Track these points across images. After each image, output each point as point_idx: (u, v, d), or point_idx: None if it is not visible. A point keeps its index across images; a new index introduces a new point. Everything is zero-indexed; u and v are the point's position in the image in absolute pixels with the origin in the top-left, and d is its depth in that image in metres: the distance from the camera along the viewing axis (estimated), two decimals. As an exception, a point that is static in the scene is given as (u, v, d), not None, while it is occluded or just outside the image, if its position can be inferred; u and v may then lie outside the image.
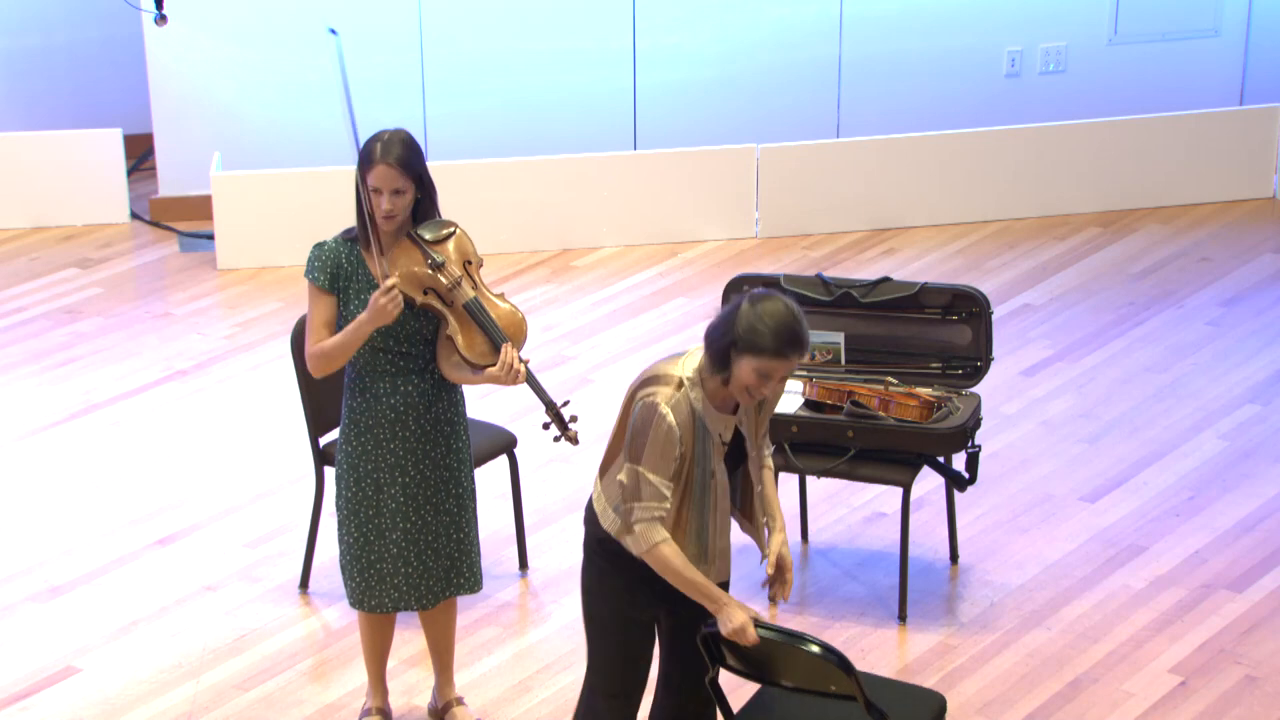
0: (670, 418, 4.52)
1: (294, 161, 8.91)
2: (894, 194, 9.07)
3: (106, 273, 8.68)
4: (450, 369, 5.11)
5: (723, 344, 4.50)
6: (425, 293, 5.01)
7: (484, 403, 7.25)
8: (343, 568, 5.26)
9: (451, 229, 5.09)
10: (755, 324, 4.45)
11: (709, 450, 4.61)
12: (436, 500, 5.18)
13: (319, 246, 5.07)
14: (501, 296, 5.16)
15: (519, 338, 5.10)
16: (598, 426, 7.22)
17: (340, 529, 5.22)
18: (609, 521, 4.67)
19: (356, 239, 5.06)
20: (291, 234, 8.49)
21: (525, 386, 5.09)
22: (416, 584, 5.20)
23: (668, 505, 4.58)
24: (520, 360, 5.03)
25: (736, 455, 4.74)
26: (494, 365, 5.02)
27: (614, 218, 8.94)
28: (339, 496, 5.21)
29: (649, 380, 4.60)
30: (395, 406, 5.08)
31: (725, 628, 4.56)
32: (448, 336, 5.04)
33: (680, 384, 4.57)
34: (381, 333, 5.01)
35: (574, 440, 5.15)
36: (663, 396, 4.54)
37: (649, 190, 8.97)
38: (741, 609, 4.57)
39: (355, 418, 5.12)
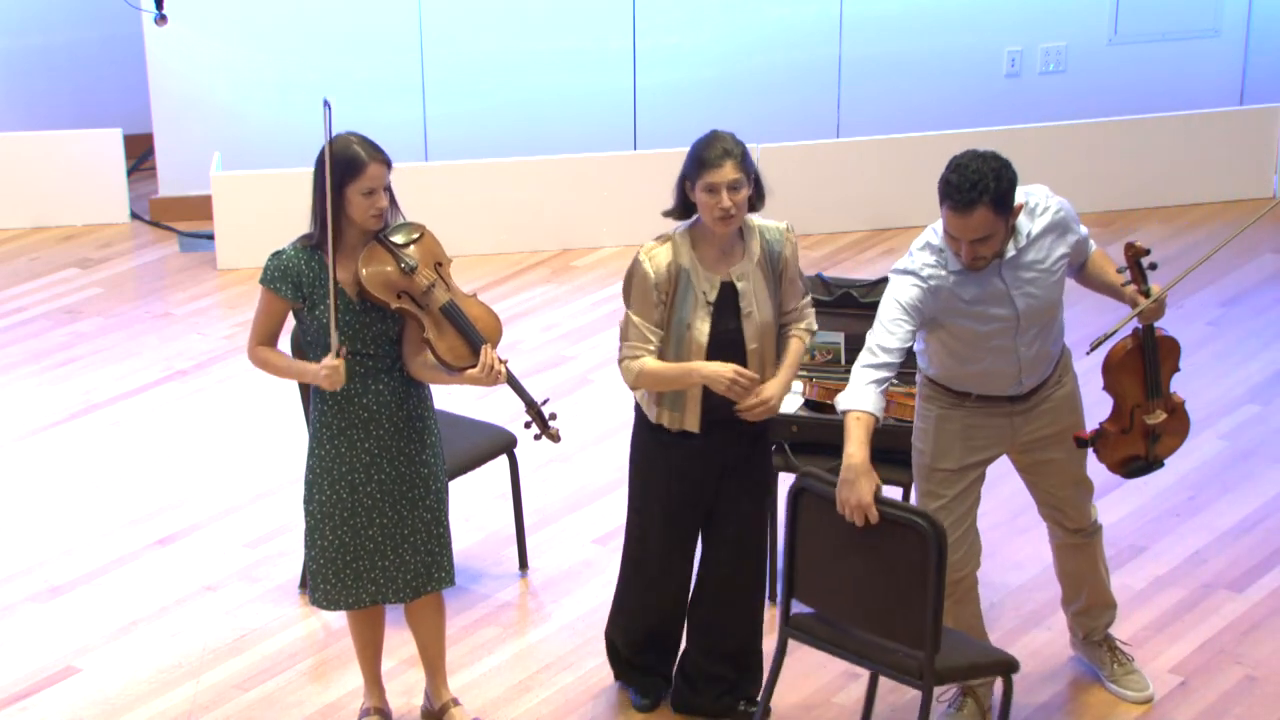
0: (646, 265, 5.05)
1: (294, 161, 8.91)
2: (894, 194, 9.07)
3: (106, 273, 8.68)
4: (421, 369, 5.06)
5: (679, 190, 5.09)
6: (399, 296, 4.96)
7: (484, 403, 7.24)
8: (313, 573, 5.17)
9: (419, 232, 5.06)
10: (689, 154, 5.07)
11: (690, 303, 5.04)
12: (414, 496, 5.14)
13: (277, 255, 5.02)
14: (474, 296, 5.13)
15: (495, 338, 5.06)
16: (597, 427, 7.22)
17: (312, 534, 5.14)
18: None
19: (318, 246, 4.99)
20: (291, 234, 8.37)
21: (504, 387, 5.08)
22: (394, 577, 5.15)
23: (652, 348, 5.04)
24: (500, 360, 5.01)
25: (727, 315, 5.06)
26: (473, 367, 4.98)
27: (614, 218, 8.94)
28: (310, 501, 5.13)
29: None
30: (368, 406, 5.04)
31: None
32: (425, 340, 4.99)
33: (669, 239, 5.11)
34: (348, 336, 4.96)
35: (555, 438, 5.16)
36: (645, 248, 5.08)
37: (649, 190, 8.92)
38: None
39: (327, 420, 5.06)
